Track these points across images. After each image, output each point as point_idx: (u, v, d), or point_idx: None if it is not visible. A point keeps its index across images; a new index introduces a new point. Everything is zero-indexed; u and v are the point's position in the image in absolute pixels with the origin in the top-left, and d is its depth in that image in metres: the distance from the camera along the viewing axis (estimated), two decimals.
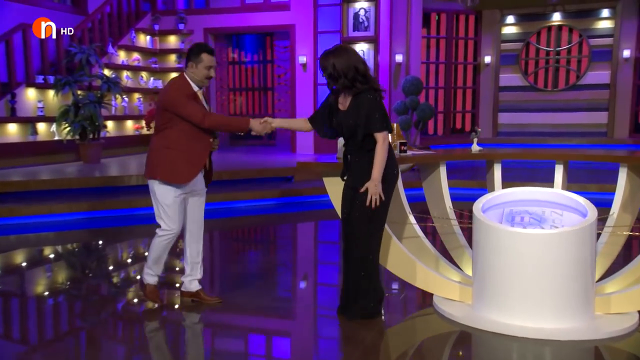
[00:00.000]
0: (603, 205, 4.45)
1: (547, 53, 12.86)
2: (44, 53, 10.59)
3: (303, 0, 12.02)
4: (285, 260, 6.51)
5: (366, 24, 11.17)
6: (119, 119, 11.91)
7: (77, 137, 9.94)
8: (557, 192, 4.22)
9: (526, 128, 13.05)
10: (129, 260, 6.39)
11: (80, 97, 9.93)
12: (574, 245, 3.76)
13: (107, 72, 10.89)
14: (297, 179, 9.61)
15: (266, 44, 14.31)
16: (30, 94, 10.21)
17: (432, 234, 5.63)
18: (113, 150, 11.22)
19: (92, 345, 4.07)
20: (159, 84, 12.84)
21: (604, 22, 12.61)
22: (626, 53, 12.33)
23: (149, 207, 7.87)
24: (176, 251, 5.75)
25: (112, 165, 10.05)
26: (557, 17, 12.73)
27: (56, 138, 10.32)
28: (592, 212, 3.89)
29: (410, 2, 11.78)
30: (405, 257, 4.34)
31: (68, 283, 5.49)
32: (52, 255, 6.52)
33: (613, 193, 4.57)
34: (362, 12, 11.18)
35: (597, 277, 4.17)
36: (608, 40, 12.55)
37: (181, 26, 12.81)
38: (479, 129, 5.31)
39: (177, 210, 4.17)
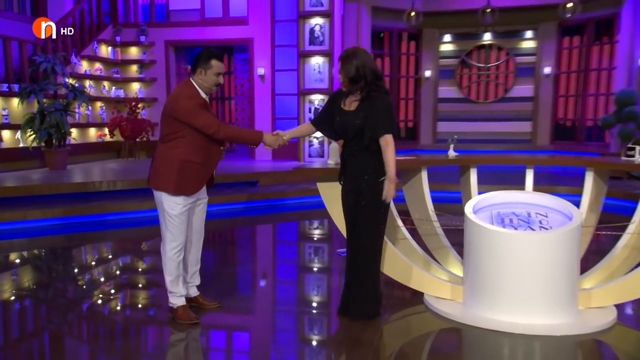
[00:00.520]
0: None
1: (479, 69, 13.02)
2: (8, 62, 9.79)
3: (261, 16, 11.69)
4: (264, 255, 6.20)
5: (321, 38, 10.93)
6: (83, 126, 11.20)
7: (42, 144, 9.23)
8: (539, 194, 4.09)
9: (462, 136, 13.10)
10: (106, 264, 5.89)
11: (45, 105, 9.23)
12: (563, 245, 3.63)
13: (70, 81, 10.18)
14: (261, 183, 9.27)
15: (226, 56, 13.85)
16: None
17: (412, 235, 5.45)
18: (77, 157, 10.53)
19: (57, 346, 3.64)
20: (121, 93, 12.20)
21: (528, 43, 12.89)
22: (547, 70, 12.65)
23: (121, 212, 7.49)
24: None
25: (79, 172, 9.39)
26: (487, 37, 12.92)
27: (21, 145, 9.54)
28: (577, 214, 3.77)
29: (360, 21, 11.69)
30: (399, 260, 4.11)
31: (48, 287, 4.97)
32: (24, 260, 5.94)
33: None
34: (317, 28, 10.93)
35: None
36: (531, 59, 12.84)
37: (142, 38, 12.20)
38: (456, 137, 5.16)
39: (184, 220, 3.72)
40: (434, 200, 4.70)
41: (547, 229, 3.71)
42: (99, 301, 4.58)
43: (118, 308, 4.48)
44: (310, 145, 10.99)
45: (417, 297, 4.25)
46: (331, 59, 10.90)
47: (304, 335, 3.97)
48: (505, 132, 12.88)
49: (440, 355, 3.64)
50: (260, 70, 11.73)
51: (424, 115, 13.29)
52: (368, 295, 3.77)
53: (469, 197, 4.63)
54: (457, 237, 4.64)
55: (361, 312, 3.78)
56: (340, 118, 3.68)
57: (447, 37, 13.16)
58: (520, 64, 12.87)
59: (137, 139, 11.76)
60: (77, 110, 10.32)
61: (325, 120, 3.83)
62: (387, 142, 3.55)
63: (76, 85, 9.94)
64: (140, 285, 5.16)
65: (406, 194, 4.82)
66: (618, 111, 10.41)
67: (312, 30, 10.97)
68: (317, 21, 10.95)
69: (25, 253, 6.24)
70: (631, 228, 4.15)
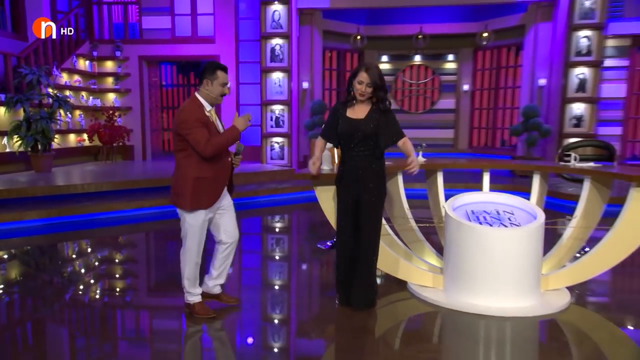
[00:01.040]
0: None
1: (411, 85, 13.12)
2: None
3: (226, 36, 11.27)
4: (253, 249, 5.91)
5: (281, 56, 10.65)
6: (64, 132, 10.38)
7: (29, 149, 8.48)
8: (505, 195, 4.09)
9: None
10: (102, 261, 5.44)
11: (31, 113, 8.47)
12: (531, 239, 3.64)
13: (51, 90, 9.40)
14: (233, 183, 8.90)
15: (194, 70, 13.29)
16: None
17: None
18: (59, 160, 9.75)
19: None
20: (98, 103, 11.43)
21: (450, 64, 13.11)
22: (465, 87, 12.90)
23: (110, 211, 6.97)
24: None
25: (63, 174, 8.68)
26: (418, 59, 13.04)
27: (8, 150, 8.72)
28: (540, 212, 3.78)
29: (313, 42, 11.49)
30: (388, 254, 4.00)
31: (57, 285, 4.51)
32: (29, 259, 5.40)
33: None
34: (277, 47, 10.63)
35: None
36: (453, 77, 13.06)
37: (118, 53, 11.46)
38: (424, 144, 5.09)
39: (204, 229, 3.42)
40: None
41: (516, 225, 3.69)
42: (115, 294, 4.19)
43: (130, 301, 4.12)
44: (272, 149, 10.72)
45: (400, 286, 4.15)
46: (290, 74, 10.66)
47: (308, 325, 3.76)
48: (432, 137, 13.01)
49: (428, 334, 3.57)
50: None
51: None
52: (369, 286, 3.63)
53: (436, 196, 4.59)
54: (427, 230, 4.59)
55: (364, 301, 3.64)
56: (348, 124, 3.53)
57: (385, 58, 13.17)
58: (444, 81, 13.07)
59: (114, 144, 11.10)
60: (58, 117, 9.53)
61: (333, 131, 3.66)
62: (405, 140, 3.60)
63: (59, 95, 9.20)
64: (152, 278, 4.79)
65: None
66: (525, 122, 10.77)
67: (272, 49, 10.68)
68: (277, 41, 10.66)
69: (28, 249, 5.67)
70: (574, 222, 4.21)
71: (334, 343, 3.38)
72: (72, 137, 10.81)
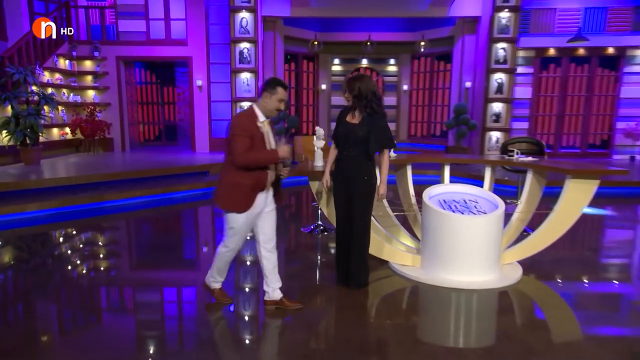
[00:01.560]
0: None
1: None
2: None
3: (198, 39, 10.71)
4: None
5: (249, 59, 10.27)
6: (48, 127, 9.53)
7: (18, 143, 7.73)
8: (469, 186, 4.15)
9: None
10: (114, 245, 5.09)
11: (19, 110, 7.71)
12: (495, 224, 3.73)
13: (35, 88, 8.60)
14: (211, 172, 8.59)
15: (169, 69, 12.55)
16: None
17: None
18: (44, 153, 8.97)
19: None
20: (78, 99, 10.59)
21: (392, 67, 13.20)
22: (405, 87, 13.07)
23: (113, 200, 6.49)
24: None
25: (51, 166, 8.02)
26: (365, 62, 13.03)
27: None
28: (500, 201, 3.87)
29: (276, 45, 11.18)
30: (374, 238, 3.96)
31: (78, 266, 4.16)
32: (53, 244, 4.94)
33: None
34: (245, 50, 10.24)
35: None
36: (394, 78, 13.19)
37: (96, 53, 10.62)
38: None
39: (243, 231, 3.15)
40: None
41: (483, 212, 3.77)
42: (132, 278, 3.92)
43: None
44: None
45: (382, 265, 4.15)
46: (257, 75, 10.34)
47: (309, 300, 3.69)
48: None
49: (411, 305, 3.60)
50: (199, 82, 10.81)
51: (321, 117, 13.17)
52: (363, 267, 3.60)
53: (406, 185, 4.60)
54: (400, 216, 4.60)
55: (360, 281, 3.63)
56: (344, 128, 3.45)
57: (337, 61, 13.07)
58: (387, 81, 13.18)
59: (96, 137, 10.37)
60: (43, 113, 8.74)
61: (335, 134, 3.58)
62: (385, 156, 3.44)
63: (46, 92, 8.42)
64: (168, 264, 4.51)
65: None
66: (456, 117, 11.07)
67: (241, 52, 10.28)
68: (245, 45, 10.27)
69: (35, 238, 5.18)
70: (520, 207, 4.37)
71: (333, 315, 3.37)
72: (55, 131, 9.98)
